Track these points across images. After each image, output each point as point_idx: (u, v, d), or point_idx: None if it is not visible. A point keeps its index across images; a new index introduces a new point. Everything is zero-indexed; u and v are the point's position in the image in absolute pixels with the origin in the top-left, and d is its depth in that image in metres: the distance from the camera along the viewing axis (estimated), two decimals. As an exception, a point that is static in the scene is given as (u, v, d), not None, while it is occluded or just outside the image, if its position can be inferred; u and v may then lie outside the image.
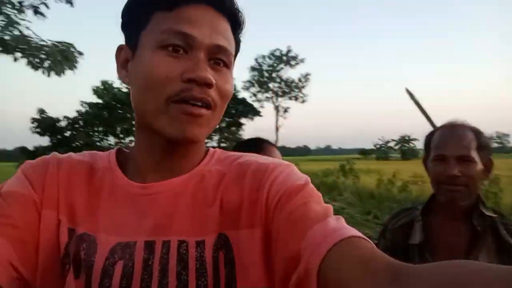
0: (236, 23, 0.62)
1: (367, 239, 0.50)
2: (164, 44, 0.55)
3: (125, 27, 0.63)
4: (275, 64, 51.74)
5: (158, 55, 0.55)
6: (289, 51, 50.97)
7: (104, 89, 30.60)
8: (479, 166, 1.18)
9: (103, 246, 0.57)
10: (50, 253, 0.58)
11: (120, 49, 0.63)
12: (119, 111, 29.41)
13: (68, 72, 6.26)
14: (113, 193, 0.62)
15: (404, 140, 63.73)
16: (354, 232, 0.50)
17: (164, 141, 0.59)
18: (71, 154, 0.68)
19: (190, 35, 0.55)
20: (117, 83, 30.77)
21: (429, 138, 1.30)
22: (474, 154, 1.17)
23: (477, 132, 1.22)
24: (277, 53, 51.26)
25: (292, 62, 51.24)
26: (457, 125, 1.24)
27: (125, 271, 0.56)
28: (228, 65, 0.61)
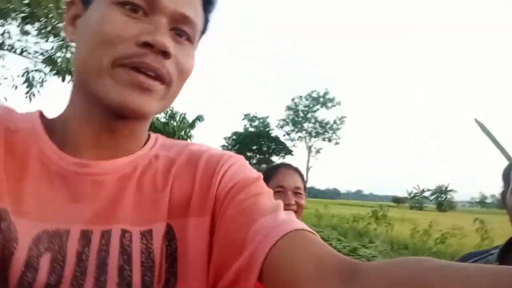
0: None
1: (317, 235, 0.48)
2: (122, 0, 0.48)
3: None
4: (311, 105, 52.19)
5: (113, 12, 0.48)
6: (326, 93, 51.43)
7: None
8: None
9: (25, 232, 0.46)
10: None
11: (70, 3, 0.55)
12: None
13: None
14: (41, 165, 0.50)
15: (441, 191, 61.00)
16: (306, 227, 0.48)
17: (106, 112, 0.51)
18: None
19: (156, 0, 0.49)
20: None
21: (509, 169, 1.17)
22: None
23: None
24: (314, 95, 51.84)
25: (329, 104, 51.55)
26: None
27: (53, 265, 0.46)
28: (191, 40, 0.54)
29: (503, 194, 1.19)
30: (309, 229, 0.48)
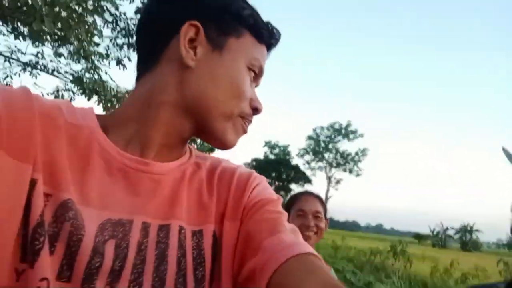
0: None
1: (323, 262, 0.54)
2: (252, 68, 0.62)
3: (212, 13, 0.59)
4: (332, 136, 51.95)
5: (247, 74, 0.62)
6: (348, 125, 51.20)
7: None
8: None
9: (90, 220, 0.50)
10: (7, 219, 0.45)
11: (193, 25, 0.58)
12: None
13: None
14: (103, 161, 0.54)
15: (466, 230, 58.50)
16: (314, 251, 0.54)
17: (187, 135, 0.62)
18: (39, 94, 0.54)
19: (263, 74, 0.66)
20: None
21: None
22: None
23: None
24: (336, 126, 51.69)
25: (351, 136, 51.16)
26: None
27: (117, 251, 0.50)
28: None
29: None
30: (319, 256, 0.54)
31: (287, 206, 1.71)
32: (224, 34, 0.59)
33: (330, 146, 51.91)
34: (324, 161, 52.14)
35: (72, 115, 0.55)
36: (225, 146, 0.62)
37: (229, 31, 0.60)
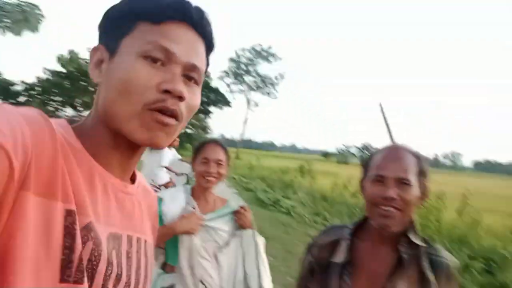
0: (210, 45, 0.69)
1: None
2: (146, 54, 0.58)
3: (105, 29, 0.63)
4: (254, 58, 51.67)
5: (139, 63, 0.58)
6: (270, 48, 51.07)
7: (70, 59, 29.15)
8: (417, 191, 1.16)
9: (102, 234, 0.56)
10: (47, 253, 0.47)
11: (96, 49, 0.63)
12: (82, 82, 27.73)
13: (33, 36, 5.96)
14: (103, 182, 0.60)
15: (366, 148, 65.71)
16: None
17: (128, 144, 0.62)
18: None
19: (171, 51, 0.59)
20: (83, 54, 29.30)
21: (369, 159, 1.29)
22: (413, 178, 1.15)
23: (418, 157, 1.21)
24: (258, 48, 51.20)
25: (271, 59, 51.38)
26: (399, 147, 1.23)
27: (117, 259, 0.59)
28: (198, 82, 0.66)
29: (362, 181, 1.28)
30: None
31: (195, 152, 1.84)
32: (118, 38, 0.60)
33: (251, 69, 51.87)
34: (244, 84, 52.33)
35: (72, 137, 0.58)
36: (145, 143, 0.61)
37: (121, 33, 0.60)
